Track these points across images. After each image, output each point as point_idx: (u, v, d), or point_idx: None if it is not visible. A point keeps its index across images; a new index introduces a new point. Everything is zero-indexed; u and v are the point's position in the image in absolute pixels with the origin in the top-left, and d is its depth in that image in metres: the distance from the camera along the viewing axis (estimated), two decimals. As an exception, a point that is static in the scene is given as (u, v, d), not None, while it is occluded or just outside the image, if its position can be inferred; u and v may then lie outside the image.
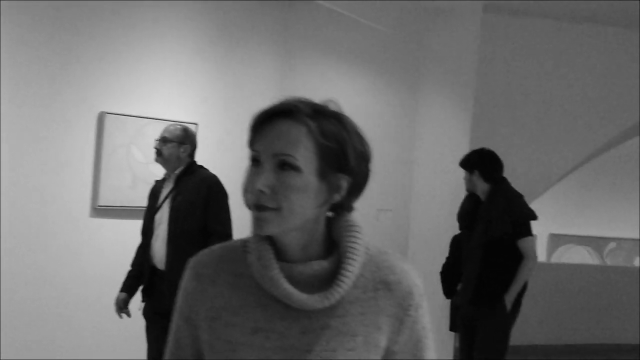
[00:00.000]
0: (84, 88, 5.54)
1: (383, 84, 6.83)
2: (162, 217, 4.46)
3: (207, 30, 6.29)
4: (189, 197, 4.39)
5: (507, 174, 6.48)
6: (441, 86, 6.68)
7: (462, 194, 6.19)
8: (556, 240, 11.37)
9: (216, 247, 1.70)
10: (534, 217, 5.03)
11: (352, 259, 1.56)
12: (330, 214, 1.62)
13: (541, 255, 11.40)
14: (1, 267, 5.19)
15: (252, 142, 1.56)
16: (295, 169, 1.49)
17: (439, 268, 5.74)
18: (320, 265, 1.56)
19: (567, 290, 9.55)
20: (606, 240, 11.55)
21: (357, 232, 1.61)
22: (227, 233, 4.39)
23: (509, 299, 4.87)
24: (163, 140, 4.50)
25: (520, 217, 4.90)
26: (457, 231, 6.03)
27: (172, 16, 6.04)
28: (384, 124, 6.80)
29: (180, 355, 1.66)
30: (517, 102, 6.71)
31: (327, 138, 1.51)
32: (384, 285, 1.59)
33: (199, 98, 6.28)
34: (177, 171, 4.51)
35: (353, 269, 1.55)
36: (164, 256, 4.38)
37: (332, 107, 1.57)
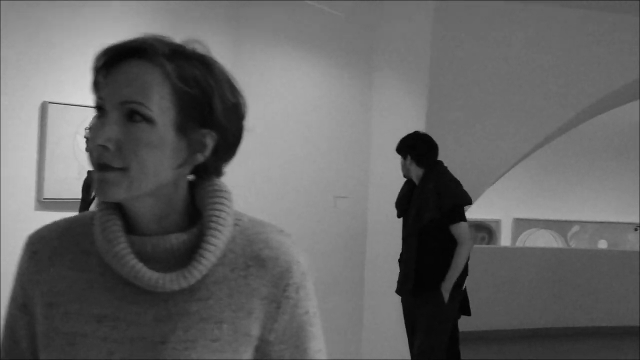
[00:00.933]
0: (25, 76, 5.38)
1: (336, 70, 6.74)
2: None
3: (155, 16, 6.14)
4: None
5: (462, 158, 6.45)
6: (396, 71, 6.61)
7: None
8: (520, 224, 11.37)
9: (61, 220, 1.40)
10: (466, 202, 4.94)
11: (217, 229, 1.30)
12: (192, 177, 1.36)
13: (505, 239, 11.42)
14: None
15: (97, 87, 1.28)
16: (147, 120, 1.22)
17: (396, 255, 5.64)
18: (178, 239, 1.29)
19: (532, 274, 9.56)
20: (570, 223, 11.57)
21: (224, 198, 1.36)
22: None
23: (446, 287, 4.77)
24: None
25: (449, 202, 4.78)
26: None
27: (117, 1, 5.90)
28: (338, 110, 6.72)
29: (16, 352, 1.38)
30: (472, 87, 6.65)
31: (188, 84, 1.26)
32: (257, 262, 1.32)
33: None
34: None
35: (217, 242, 1.29)
36: None
37: (199, 49, 1.32)
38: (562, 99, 6.79)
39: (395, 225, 6.16)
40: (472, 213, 10.45)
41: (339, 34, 6.65)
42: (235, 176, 6.66)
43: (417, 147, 4.98)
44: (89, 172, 4.46)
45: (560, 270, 9.76)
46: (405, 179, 5.20)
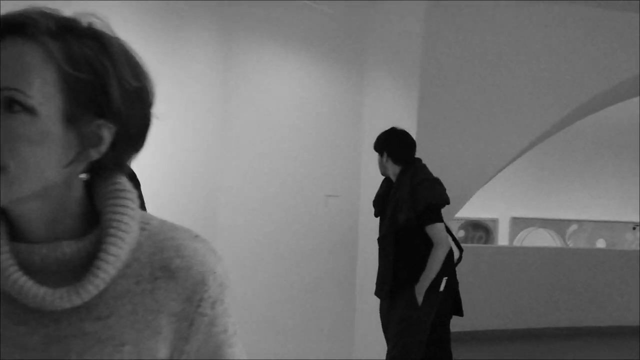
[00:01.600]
0: None
1: (328, 68, 6.68)
2: None
3: (141, 15, 6.05)
4: None
5: (455, 157, 6.34)
6: (387, 70, 6.55)
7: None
8: (518, 223, 11.27)
9: None
10: (442, 202, 4.74)
11: (118, 236, 1.10)
12: (85, 176, 1.14)
13: (503, 239, 11.32)
14: None
15: None
16: (27, 110, 1.02)
17: None
18: (72, 247, 1.09)
19: (530, 274, 9.48)
20: (568, 222, 11.48)
21: (127, 199, 1.14)
22: None
23: (419, 289, 4.59)
24: None
25: (423, 202, 4.58)
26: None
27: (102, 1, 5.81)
28: (329, 109, 6.67)
29: None
30: (464, 85, 6.55)
31: (78, 66, 1.05)
32: (166, 273, 1.12)
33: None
34: None
35: (118, 250, 1.09)
36: None
37: (96, 24, 1.10)
38: (557, 96, 6.69)
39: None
40: (469, 212, 10.39)
41: (330, 32, 6.59)
42: (225, 175, 6.62)
43: (392, 144, 4.84)
44: None
45: (559, 269, 9.68)
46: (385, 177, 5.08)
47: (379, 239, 4.82)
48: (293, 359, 6.55)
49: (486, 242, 11.17)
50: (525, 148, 6.81)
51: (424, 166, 4.82)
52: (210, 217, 6.63)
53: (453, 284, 5.62)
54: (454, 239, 5.72)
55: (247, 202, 6.64)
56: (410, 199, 4.55)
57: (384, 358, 4.86)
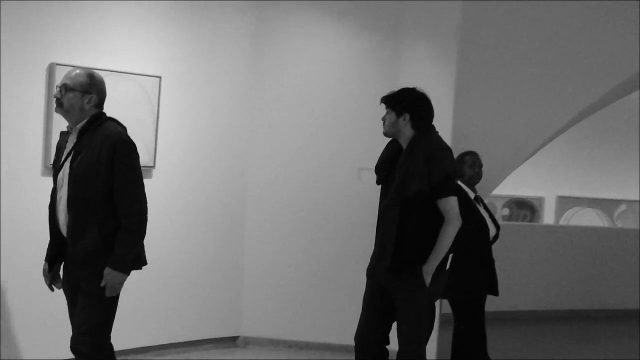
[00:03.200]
0: (32, 37, 5.19)
1: (363, 37, 6.52)
2: (63, 179, 3.88)
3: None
4: (90, 157, 3.78)
5: (493, 131, 6.07)
6: (424, 41, 6.36)
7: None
8: (565, 202, 10.95)
9: None
10: (457, 175, 4.34)
11: None
12: None
13: (549, 218, 11.01)
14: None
15: None
16: None
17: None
18: None
19: (575, 254, 9.18)
20: (616, 202, 11.11)
21: None
22: (136, 210, 3.84)
23: (428, 269, 4.09)
24: (64, 87, 3.86)
25: (441, 173, 4.08)
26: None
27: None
28: (363, 78, 6.51)
29: None
30: (504, 58, 6.27)
31: None
32: None
33: (162, 50, 5.92)
34: (80, 125, 3.88)
35: None
36: (65, 223, 3.87)
37: None
38: (601, 70, 6.36)
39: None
40: (514, 189, 10.12)
41: (366, 1, 6.37)
42: (258, 148, 6.47)
43: (420, 107, 4.25)
44: (61, 133, 4.10)
45: (606, 250, 9.39)
46: (389, 141, 4.47)
47: (381, 209, 4.31)
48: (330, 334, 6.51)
49: (531, 220, 10.88)
50: (567, 124, 6.50)
51: (438, 134, 4.39)
52: (241, 189, 6.52)
53: (489, 262, 5.48)
54: (490, 215, 5.53)
55: (278, 174, 6.48)
56: (425, 168, 4.07)
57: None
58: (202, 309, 6.34)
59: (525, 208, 10.85)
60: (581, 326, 8.67)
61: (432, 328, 4.39)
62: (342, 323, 6.33)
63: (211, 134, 6.24)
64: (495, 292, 5.52)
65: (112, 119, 4.00)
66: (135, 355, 5.89)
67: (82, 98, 3.85)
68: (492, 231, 5.49)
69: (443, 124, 5.87)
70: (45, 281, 4.06)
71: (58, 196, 3.92)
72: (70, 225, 3.82)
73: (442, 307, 5.95)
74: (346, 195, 6.50)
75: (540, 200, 10.90)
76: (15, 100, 5.11)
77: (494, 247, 5.56)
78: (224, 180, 6.37)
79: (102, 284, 3.78)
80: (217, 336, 6.46)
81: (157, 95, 5.80)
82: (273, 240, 6.49)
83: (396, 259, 4.11)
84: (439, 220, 4.14)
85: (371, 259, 4.40)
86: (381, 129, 6.19)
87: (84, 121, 3.88)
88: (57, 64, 5.21)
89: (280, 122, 6.49)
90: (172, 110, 5.97)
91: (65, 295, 4.04)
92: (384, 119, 4.36)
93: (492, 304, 5.80)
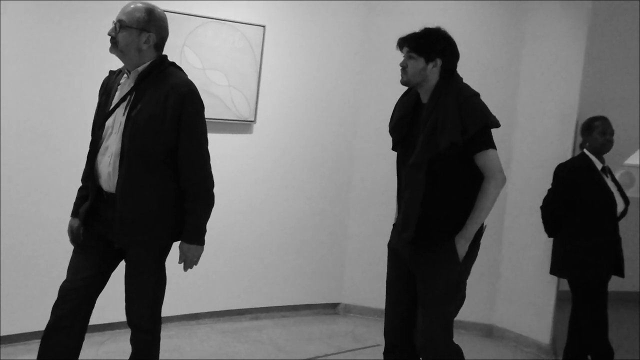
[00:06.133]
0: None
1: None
2: (115, 127, 3.39)
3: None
4: (152, 108, 3.31)
5: (624, 96, 5.56)
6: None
7: (574, 112, 5.33)
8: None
9: None
10: (496, 124, 3.56)
11: None
12: None
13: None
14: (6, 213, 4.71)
15: None
16: None
17: (540, 202, 5.05)
18: None
19: None
20: None
21: None
22: (206, 174, 3.42)
23: (466, 236, 3.47)
24: (119, 24, 3.36)
25: (478, 122, 3.44)
26: (567, 156, 5.19)
27: None
28: (482, 34, 5.96)
29: None
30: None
31: None
32: None
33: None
34: (141, 68, 3.40)
35: None
36: (113, 178, 3.36)
37: None
38: None
39: (542, 167, 5.44)
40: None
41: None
42: (362, 111, 6.04)
43: (448, 49, 3.61)
44: (110, 72, 3.60)
45: None
46: (404, 92, 3.79)
47: (407, 172, 3.56)
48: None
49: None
50: None
51: (462, 79, 3.65)
52: (349, 147, 6.22)
53: (615, 241, 5.04)
54: (619, 188, 5.13)
55: (381, 136, 6.10)
56: (458, 118, 3.41)
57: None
58: (303, 274, 6.08)
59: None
60: None
61: (455, 314, 3.66)
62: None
63: (318, 88, 5.90)
64: (620, 274, 5.07)
65: (176, 65, 3.54)
66: (230, 316, 5.73)
67: (139, 37, 3.35)
68: (620, 206, 5.02)
69: (570, 88, 5.40)
70: (76, 240, 3.54)
71: (104, 145, 3.41)
72: (121, 181, 3.32)
73: (559, 284, 5.56)
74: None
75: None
76: (97, 50, 4.82)
77: (621, 223, 5.07)
78: (331, 136, 6.03)
79: (179, 262, 3.45)
80: (317, 302, 6.18)
81: (261, 45, 5.50)
82: (379, 204, 6.09)
83: (422, 229, 3.48)
84: (472, 180, 3.48)
85: (394, 227, 3.78)
86: (502, 89, 5.71)
87: (145, 64, 3.40)
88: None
89: (385, 86, 6.03)
90: (276, 61, 5.66)
91: (80, 247, 3.51)
92: (404, 65, 3.62)
93: (615, 284, 5.30)
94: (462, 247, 3.46)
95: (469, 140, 3.39)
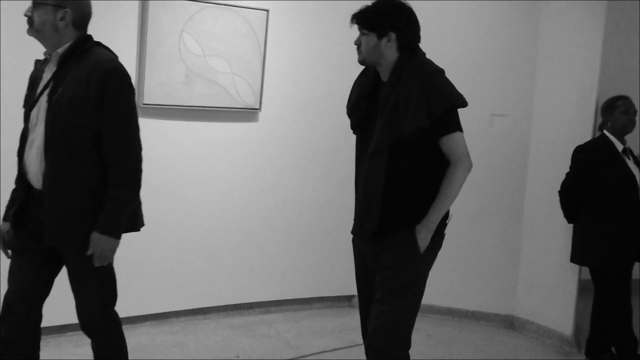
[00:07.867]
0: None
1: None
2: (39, 116, 3.15)
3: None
4: (75, 89, 3.06)
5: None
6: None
7: (593, 93, 5.10)
8: None
9: None
10: (463, 103, 3.23)
11: None
12: None
13: None
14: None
15: None
16: None
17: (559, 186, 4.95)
18: None
19: None
20: None
21: None
22: (131, 157, 3.14)
23: (429, 225, 3.14)
24: (33, 3, 3.12)
25: (445, 102, 3.13)
26: (587, 138, 4.97)
27: None
28: (499, 16, 5.75)
29: None
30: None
31: None
32: None
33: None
34: (61, 50, 3.13)
35: None
36: (40, 171, 3.13)
37: None
38: None
39: (563, 150, 5.17)
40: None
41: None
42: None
43: (407, 24, 3.26)
44: (36, 61, 3.36)
45: None
46: (361, 72, 3.50)
47: (368, 158, 3.23)
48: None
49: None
50: None
51: (425, 56, 3.32)
52: (354, 141, 5.89)
53: (637, 226, 4.86)
54: None
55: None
56: (422, 98, 3.10)
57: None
58: (314, 265, 5.89)
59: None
60: None
61: (418, 308, 3.31)
62: (469, 283, 5.87)
63: (324, 74, 5.69)
64: (643, 259, 4.87)
65: (101, 44, 3.25)
66: (239, 310, 5.57)
67: (54, 14, 3.10)
68: (644, 191, 4.82)
69: (589, 68, 5.17)
70: (7, 246, 3.29)
71: (30, 138, 3.17)
72: (47, 175, 3.08)
73: (581, 272, 5.32)
74: (477, 144, 5.82)
75: None
76: (104, 36, 4.67)
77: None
78: (339, 123, 5.83)
79: (88, 252, 3.09)
80: (330, 295, 5.99)
81: (264, 30, 5.30)
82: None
83: (385, 219, 3.18)
84: (436, 165, 3.18)
85: (355, 217, 3.40)
86: (518, 72, 5.47)
87: (66, 45, 3.14)
88: (150, -1, 4.82)
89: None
90: (281, 47, 5.46)
91: (16, 253, 3.27)
92: (358, 43, 3.33)
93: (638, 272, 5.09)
94: (423, 237, 3.14)
95: (434, 122, 3.10)
